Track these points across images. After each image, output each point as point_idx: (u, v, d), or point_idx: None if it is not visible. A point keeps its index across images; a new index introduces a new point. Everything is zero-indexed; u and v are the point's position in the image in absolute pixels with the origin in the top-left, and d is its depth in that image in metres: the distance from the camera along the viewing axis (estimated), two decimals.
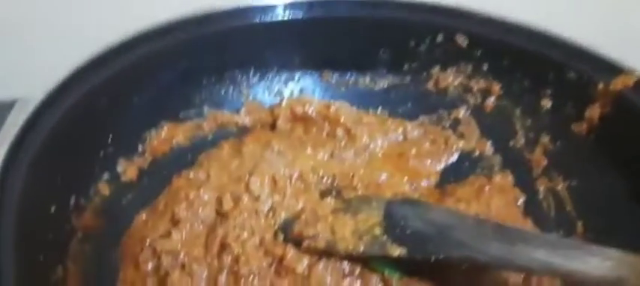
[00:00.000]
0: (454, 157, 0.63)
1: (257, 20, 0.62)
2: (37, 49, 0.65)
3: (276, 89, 0.66)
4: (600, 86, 0.55)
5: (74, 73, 0.49)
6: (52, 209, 0.45)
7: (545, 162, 0.59)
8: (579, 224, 0.54)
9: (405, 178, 0.60)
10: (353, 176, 0.58)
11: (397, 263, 0.47)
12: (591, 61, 0.57)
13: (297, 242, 0.49)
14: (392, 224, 0.49)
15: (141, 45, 0.55)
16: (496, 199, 0.57)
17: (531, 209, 0.57)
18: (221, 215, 0.52)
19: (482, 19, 0.62)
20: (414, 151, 0.63)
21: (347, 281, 0.47)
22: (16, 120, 0.45)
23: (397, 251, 0.45)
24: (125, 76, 0.54)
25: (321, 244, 0.48)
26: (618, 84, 0.54)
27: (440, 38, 0.64)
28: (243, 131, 0.64)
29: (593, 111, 0.56)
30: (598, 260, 0.39)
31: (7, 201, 0.39)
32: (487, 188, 0.58)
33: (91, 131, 0.51)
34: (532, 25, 0.60)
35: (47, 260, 0.42)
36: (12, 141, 0.42)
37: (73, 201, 0.48)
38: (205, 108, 0.62)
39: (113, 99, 0.53)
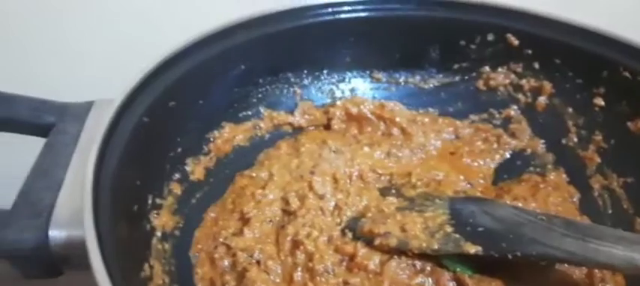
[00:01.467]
0: (506, 156, 0.64)
1: (308, 21, 0.63)
2: (107, 52, 0.67)
3: (327, 89, 0.67)
4: None
5: (146, 77, 0.50)
6: (135, 208, 0.46)
7: (598, 160, 0.60)
8: (638, 221, 0.55)
9: (461, 176, 0.61)
10: (410, 174, 0.59)
11: (469, 261, 0.48)
12: None
13: (367, 240, 0.50)
14: (461, 221, 0.50)
15: (203, 49, 0.56)
16: (552, 197, 0.58)
17: (587, 207, 0.58)
18: (288, 213, 0.54)
19: (533, 18, 0.63)
20: (466, 150, 0.64)
21: (419, 278, 0.49)
22: (98, 124, 0.46)
23: (473, 249, 0.46)
24: (190, 79, 0.55)
25: (393, 242, 0.49)
26: None
27: (490, 37, 0.65)
28: (298, 130, 0.65)
29: None
30: None
31: (100, 202, 0.41)
32: (542, 186, 0.59)
33: (162, 133, 0.52)
34: (584, 23, 0.61)
35: (136, 259, 0.43)
36: (99, 145, 0.42)
37: (150, 200, 0.49)
38: (262, 109, 0.64)
39: (181, 102, 0.54)
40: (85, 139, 0.47)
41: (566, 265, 0.50)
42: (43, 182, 0.44)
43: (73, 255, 0.42)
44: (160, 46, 0.53)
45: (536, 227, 0.47)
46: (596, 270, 0.50)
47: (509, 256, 0.45)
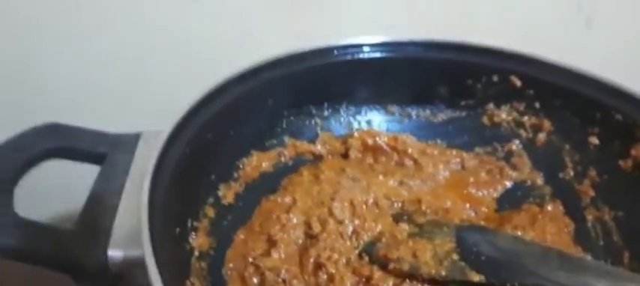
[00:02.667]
0: (508, 186, 0.70)
1: (330, 60, 0.70)
2: (151, 85, 0.73)
3: (346, 121, 0.73)
4: None
5: (189, 111, 0.57)
6: (177, 231, 0.52)
7: (592, 194, 0.66)
8: (626, 254, 0.60)
9: (467, 205, 0.66)
10: (420, 201, 0.65)
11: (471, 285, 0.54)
12: (636, 105, 0.63)
13: (382, 264, 0.56)
14: (466, 249, 0.56)
15: (236, 85, 0.63)
16: (549, 226, 0.63)
17: (581, 237, 0.63)
18: (311, 236, 0.60)
19: (535, 62, 0.70)
20: (472, 180, 0.70)
21: None
22: (148, 153, 0.52)
23: (477, 277, 0.52)
24: (226, 113, 0.61)
25: (405, 266, 0.55)
26: None
27: (495, 78, 0.71)
28: (318, 158, 0.71)
29: (639, 150, 0.63)
30: None
31: (154, 226, 0.46)
32: (540, 216, 0.65)
33: (199, 162, 0.58)
34: (581, 69, 0.67)
35: (181, 276, 0.49)
36: (151, 174, 0.49)
37: (189, 223, 0.55)
38: (286, 138, 0.70)
39: (216, 134, 0.60)
40: (135, 168, 0.53)
41: None
42: (100, 206, 0.50)
43: (127, 273, 0.48)
44: (199, 80, 0.60)
45: (534, 258, 0.52)
46: None
47: (507, 283, 0.51)
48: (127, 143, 0.56)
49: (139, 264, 0.43)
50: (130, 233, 0.47)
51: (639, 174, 0.63)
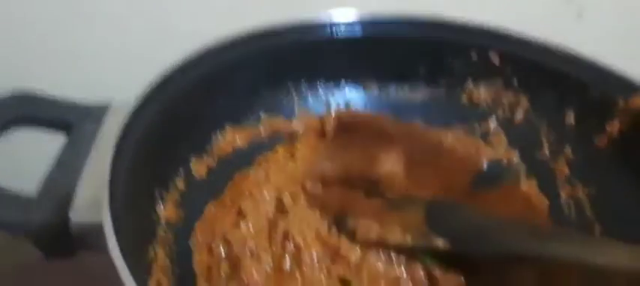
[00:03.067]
0: (484, 165, 0.70)
1: (308, 37, 0.69)
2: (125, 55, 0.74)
3: (324, 99, 0.73)
4: (620, 103, 0.61)
5: (158, 83, 0.57)
6: (144, 199, 0.52)
7: (567, 171, 0.66)
8: (597, 228, 0.60)
9: (441, 183, 0.66)
10: (394, 178, 0.65)
11: (438, 256, 0.54)
12: (613, 80, 0.63)
13: (350, 235, 0.56)
14: (434, 221, 0.56)
15: (210, 60, 0.63)
16: (523, 203, 0.64)
17: (555, 213, 0.63)
18: (281, 211, 0.60)
19: (513, 39, 0.69)
20: (448, 158, 0.70)
21: (394, 269, 0.54)
22: (115, 123, 0.52)
23: (441, 244, 0.52)
24: (198, 87, 0.61)
25: (372, 236, 0.55)
26: (637, 101, 0.60)
27: (474, 55, 0.70)
28: (295, 136, 0.71)
29: (614, 126, 0.62)
30: (627, 254, 0.45)
31: (115, 194, 0.47)
32: (514, 194, 0.65)
33: (171, 134, 0.58)
34: (559, 45, 0.67)
35: (144, 243, 0.49)
36: (116, 142, 0.49)
37: (157, 193, 0.55)
38: (262, 114, 0.70)
39: (188, 107, 0.60)
40: (102, 137, 0.54)
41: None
42: (64, 173, 0.51)
43: (88, 237, 0.48)
44: (171, 54, 0.60)
45: (502, 229, 0.52)
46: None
47: (474, 252, 0.51)
48: (96, 113, 0.56)
49: (100, 230, 0.43)
50: (92, 200, 0.47)
51: (613, 151, 0.63)
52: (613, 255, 0.45)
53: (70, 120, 0.56)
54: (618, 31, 0.91)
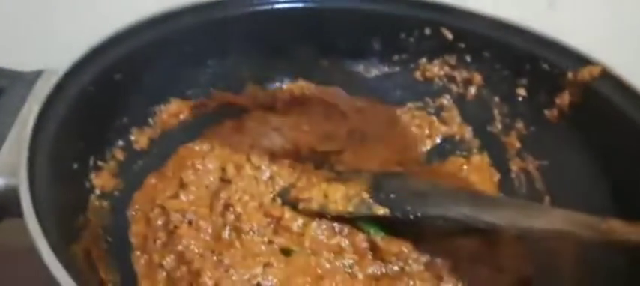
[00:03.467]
0: (437, 141, 0.69)
1: (255, 9, 0.68)
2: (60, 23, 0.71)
3: (274, 73, 0.72)
4: (569, 76, 0.61)
5: (92, 50, 0.54)
6: (75, 166, 0.50)
7: (518, 145, 0.65)
8: (547, 199, 0.60)
9: (394, 158, 0.65)
10: (344, 153, 0.64)
11: (381, 224, 0.53)
12: (562, 53, 0.62)
13: (294, 206, 0.55)
14: (378, 190, 0.54)
15: (150, 29, 0.60)
16: (473, 176, 0.63)
17: (505, 186, 0.63)
18: (224, 181, 0.58)
19: (466, 15, 0.68)
20: (401, 134, 0.69)
21: (337, 238, 0.53)
22: (44, 89, 0.50)
23: (381, 210, 0.51)
24: (137, 56, 0.59)
25: (314, 206, 0.54)
26: (585, 74, 0.60)
27: (427, 31, 0.70)
28: (244, 111, 0.69)
29: (563, 99, 0.62)
30: (559, 219, 0.45)
31: (39, 157, 0.44)
32: (465, 167, 0.64)
33: (107, 102, 0.56)
34: (510, 20, 0.66)
35: (71, 209, 0.47)
36: (41, 105, 0.47)
37: (92, 161, 0.53)
38: (210, 88, 0.68)
39: (127, 76, 0.58)
40: (31, 103, 0.51)
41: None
42: None
43: (10, 203, 0.45)
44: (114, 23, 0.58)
45: (443, 196, 0.51)
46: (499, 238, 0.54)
47: (412, 217, 0.50)
48: (27, 79, 0.54)
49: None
50: (14, 163, 0.45)
51: (564, 124, 0.62)
52: (549, 220, 0.45)
53: (1, 84, 0.53)
54: (590, 18, 0.91)
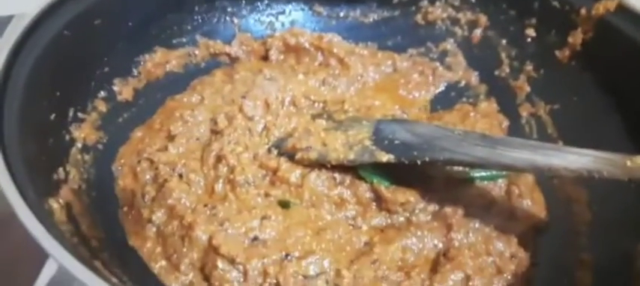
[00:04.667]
0: (441, 88, 0.65)
1: None
2: None
3: (267, 21, 0.67)
4: (583, 12, 0.57)
5: None
6: (52, 117, 0.46)
7: (528, 89, 0.61)
8: (560, 144, 0.56)
9: (396, 107, 0.61)
10: (344, 102, 0.60)
11: (385, 173, 0.49)
12: None
13: (291, 156, 0.51)
14: (380, 137, 0.51)
15: None
16: (481, 123, 0.59)
17: (515, 132, 0.59)
18: (216, 132, 0.54)
19: None
20: (403, 82, 0.65)
21: (337, 189, 0.49)
22: (14, 34, 0.45)
23: (385, 157, 0.47)
24: (116, 1, 0.54)
25: (313, 155, 0.50)
26: (600, 8, 0.56)
27: None
28: (235, 61, 0.65)
29: (576, 37, 0.58)
30: (576, 157, 0.41)
31: (8, 106, 0.40)
32: (472, 114, 0.60)
33: (85, 49, 0.52)
34: None
35: (49, 161, 0.43)
36: (10, 50, 0.42)
37: (71, 113, 0.49)
38: (198, 37, 0.63)
39: (107, 21, 0.53)
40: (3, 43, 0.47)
41: (485, 182, 0.52)
42: None
43: None
44: None
45: (451, 139, 0.48)
46: (515, 187, 0.51)
47: (419, 162, 0.46)
48: None
49: None
50: None
51: (576, 65, 0.58)
52: (571, 159, 0.41)
53: None
54: None
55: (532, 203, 0.51)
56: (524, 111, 0.61)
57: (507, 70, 0.63)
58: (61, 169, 0.45)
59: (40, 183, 0.40)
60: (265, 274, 0.42)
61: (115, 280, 0.34)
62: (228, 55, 0.65)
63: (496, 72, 0.64)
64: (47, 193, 0.40)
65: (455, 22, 0.66)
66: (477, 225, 0.48)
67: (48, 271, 0.59)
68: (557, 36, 0.60)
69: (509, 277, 0.45)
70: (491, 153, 0.44)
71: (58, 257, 0.31)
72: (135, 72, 0.58)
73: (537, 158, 0.42)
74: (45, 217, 0.35)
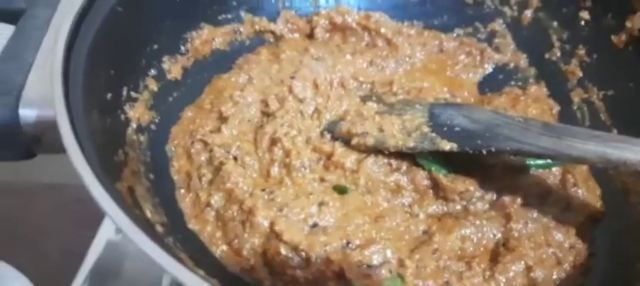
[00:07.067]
0: (489, 70, 0.64)
1: None
2: None
3: None
4: None
5: None
6: (108, 96, 0.45)
7: (580, 74, 0.60)
8: (614, 132, 0.55)
9: (445, 88, 0.60)
10: (392, 83, 0.59)
11: (444, 161, 0.49)
12: None
13: (345, 141, 0.51)
14: (438, 123, 0.50)
15: None
16: (532, 108, 0.58)
17: (566, 119, 0.58)
18: (267, 115, 0.54)
19: None
20: (451, 63, 0.64)
21: (394, 176, 0.49)
22: (69, 10, 0.44)
23: (448, 145, 0.47)
24: None
25: (370, 141, 0.49)
26: None
27: None
28: (279, 39, 0.64)
29: (634, 22, 0.56)
30: None
31: (71, 85, 0.40)
32: (522, 98, 0.59)
33: (136, 25, 0.51)
34: None
35: (109, 143, 0.43)
36: (70, 27, 0.41)
37: (125, 92, 0.48)
38: (242, 13, 0.62)
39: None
40: (56, 23, 0.46)
41: (540, 171, 0.51)
42: (13, 64, 0.43)
43: (44, 136, 0.41)
44: None
45: (513, 127, 0.47)
46: (570, 176, 0.50)
47: (484, 151, 0.45)
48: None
49: (55, 127, 0.36)
50: (44, 91, 0.40)
51: (632, 50, 0.57)
52: (636, 152, 0.40)
53: (19, 7, 0.48)
54: None
55: (587, 192, 0.50)
56: (576, 97, 0.59)
57: (558, 53, 0.62)
58: (120, 151, 0.44)
59: (107, 166, 0.39)
60: (328, 262, 0.42)
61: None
62: (273, 32, 0.63)
63: (547, 56, 0.62)
64: (113, 177, 0.40)
65: (504, 2, 0.65)
66: (535, 215, 0.47)
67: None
68: (613, 19, 0.58)
69: (568, 268, 0.45)
70: (558, 144, 0.43)
71: (141, 243, 0.30)
72: (183, 49, 0.57)
73: (609, 151, 0.41)
74: (118, 197, 0.34)
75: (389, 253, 0.43)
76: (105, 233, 0.68)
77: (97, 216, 0.69)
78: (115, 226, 0.32)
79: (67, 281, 0.65)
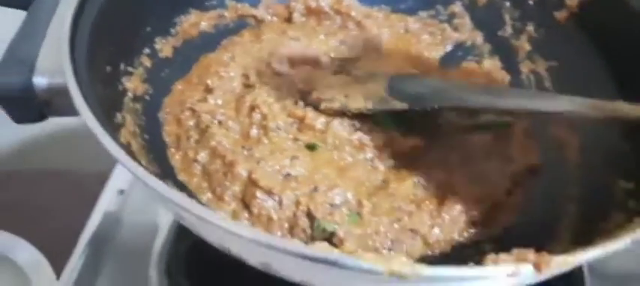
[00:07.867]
0: (449, 47, 0.71)
1: None
2: None
3: None
4: None
5: None
6: (108, 69, 0.53)
7: (528, 48, 0.67)
8: None
9: (408, 64, 0.67)
10: (360, 59, 0.66)
11: (399, 121, 0.56)
12: None
13: (315, 105, 0.58)
14: (395, 89, 0.57)
15: None
16: (485, 79, 0.65)
17: (515, 87, 0.66)
18: (247, 86, 0.61)
19: None
20: (414, 41, 0.71)
21: (357, 134, 0.56)
22: None
23: (399, 105, 0.54)
24: None
25: (336, 104, 0.57)
26: None
27: None
28: (260, 23, 0.71)
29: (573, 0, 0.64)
30: (567, 102, 0.48)
31: (77, 57, 0.47)
32: (477, 70, 0.67)
33: (132, 9, 0.58)
34: None
35: (110, 107, 0.50)
36: (74, 10, 0.49)
37: (123, 66, 0.55)
38: (227, 0, 0.69)
39: None
40: (63, 6, 0.53)
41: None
42: (27, 41, 0.51)
43: (55, 100, 0.48)
44: None
45: (458, 88, 0.54)
46: (511, 133, 0.58)
47: (428, 108, 0.53)
48: None
49: (64, 91, 0.44)
50: (54, 62, 0.47)
51: (572, 25, 0.64)
52: (559, 103, 0.48)
53: None
54: None
55: (527, 147, 0.57)
56: (525, 68, 0.67)
57: (510, 30, 0.69)
58: (119, 114, 0.51)
59: (109, 125, 0.46)
60: (298, 203, 0.49)
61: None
62: (255, 16, 0.71)
63: (500, 33, 0.70)
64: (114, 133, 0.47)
65: None
66: (477, 167, 0.55)
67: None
68: None
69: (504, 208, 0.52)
70: (492, 100, 0.50)
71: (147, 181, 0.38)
72: (173, 31, 0.64)
73: (534, 103, 0.49)
74: (124, 147, 0.42)
75: (349, 195, 0.50)
76: (102, 206, 0.76)
77: (93, 197, 0.77)
78: (124, 169, 0.39)
79: (70, 251, 0.73)
